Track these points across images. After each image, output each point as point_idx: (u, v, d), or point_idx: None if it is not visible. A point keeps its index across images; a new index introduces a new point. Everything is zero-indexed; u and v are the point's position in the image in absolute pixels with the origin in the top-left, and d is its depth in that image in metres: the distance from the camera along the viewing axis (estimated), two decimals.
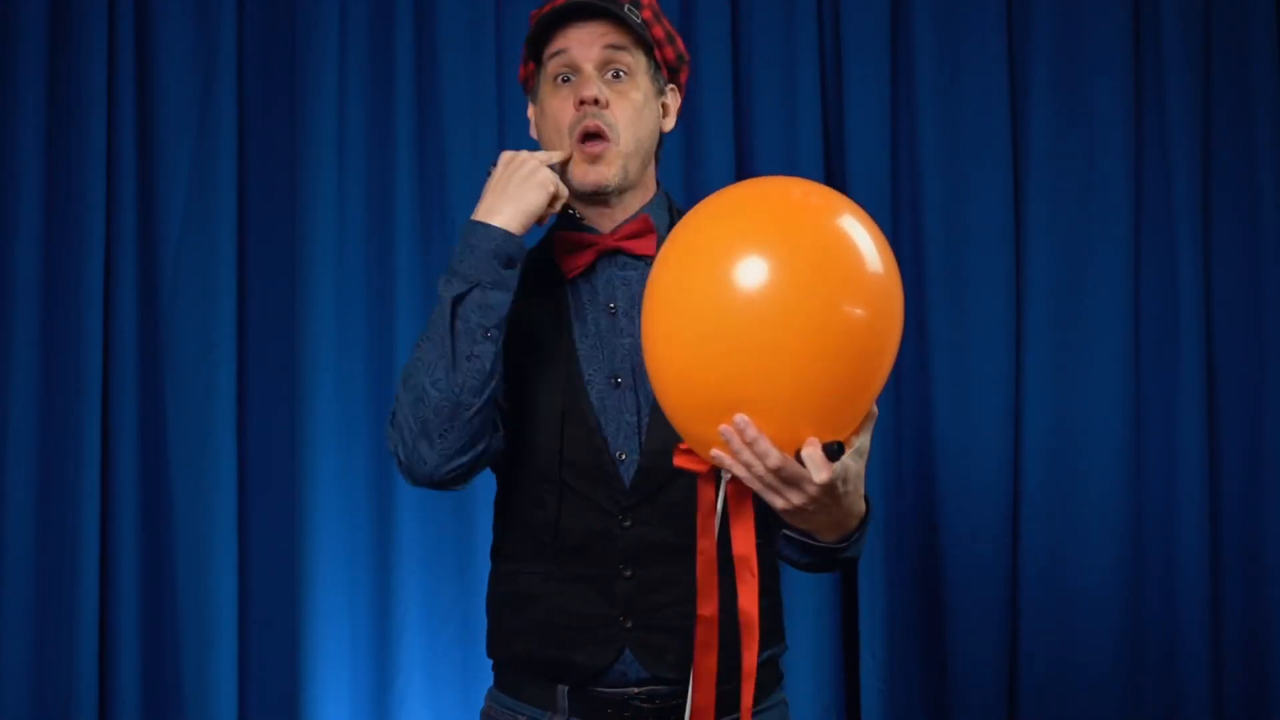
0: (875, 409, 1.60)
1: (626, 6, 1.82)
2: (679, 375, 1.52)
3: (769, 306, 1.44)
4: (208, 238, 2.96)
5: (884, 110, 3.09)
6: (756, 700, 1.81)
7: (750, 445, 1.49)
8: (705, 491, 1.62)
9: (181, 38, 2.97)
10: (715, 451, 1.53)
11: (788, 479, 1.52)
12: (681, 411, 1.55)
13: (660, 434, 1.74)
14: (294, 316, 2.98)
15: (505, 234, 1.72)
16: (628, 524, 1.79)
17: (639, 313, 1.75)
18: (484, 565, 2.91)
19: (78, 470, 2.90)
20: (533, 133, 1.90)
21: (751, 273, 1.45)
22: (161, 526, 2.96)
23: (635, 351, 1.80)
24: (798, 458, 1.51)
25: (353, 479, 2.98)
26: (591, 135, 1.79)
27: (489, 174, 1.79)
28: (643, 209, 1.87)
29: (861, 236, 1.50)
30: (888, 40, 3.09)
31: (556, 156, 1.80)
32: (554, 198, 1.77)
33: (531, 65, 1.87)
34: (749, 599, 1.62)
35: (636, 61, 1.83)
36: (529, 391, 1.81)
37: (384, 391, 2.99)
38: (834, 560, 1.70)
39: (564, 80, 1.82)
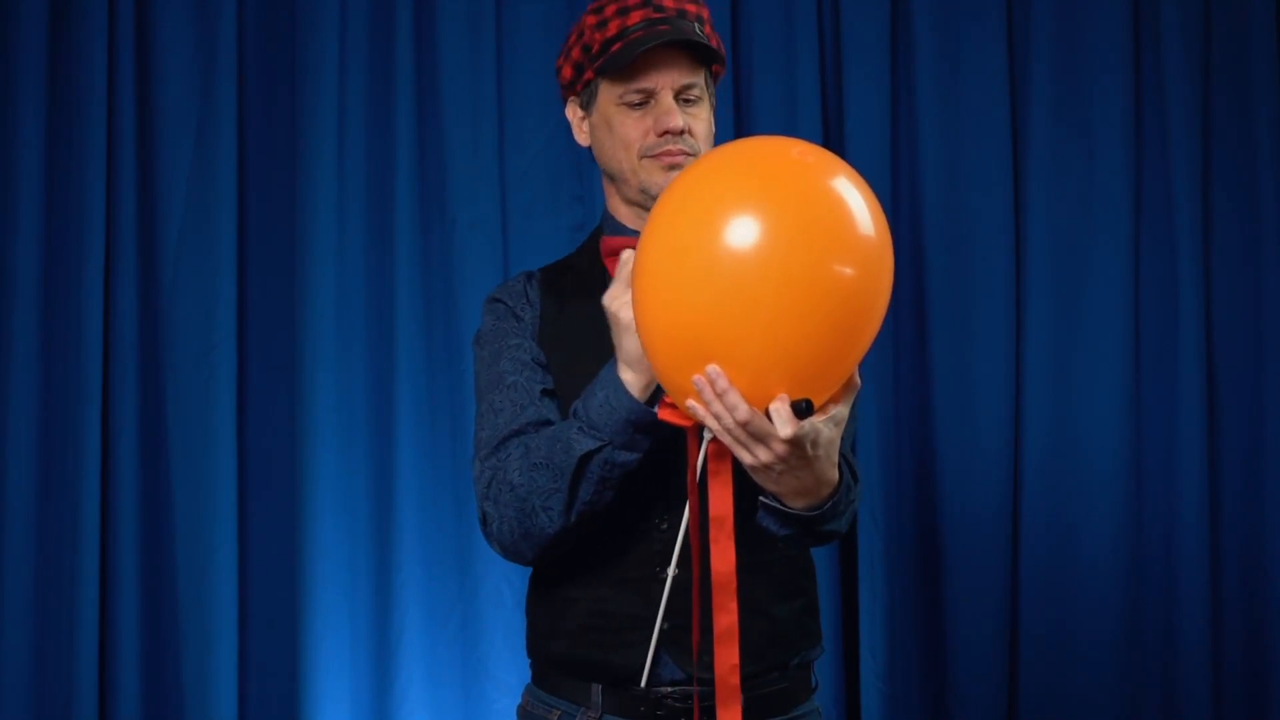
0: (858, 380, 1.59)
1: (696, 26, 1.82)
2: (660, 321, 1.52)
3: (752, 258, 1.44)
4: (208, 238, 2.95)
5: (884, 110, 3.09)
6: (786, 708, 1.82)
7: (721, 396, 1.49)
8: (693, 448, 1.62)
9: (181, 39, 2.97)
10: (690, 402, 1.52)
11: (755, 433, 1.51)
12: (661, 359, 1.54)
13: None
14: (294, 316, 2.97)
15: (642, 408, 1.67)
16: (665, 526, 1.78)
17: None
18: (483, 565, 2.94)
19: (78, 470, 2.89)
20: (580, 139, 1.90)
21: (739, 224, 1.45)
22: (162, 527, 2.95)
23: None
24: (767, 414, 1.50)
25: (353, 479, 2.97)
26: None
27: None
28: None
29: (854, 198, 1.49)
30: (887, 39, 3.10)
31: None
32: None
33: (590, 75, 1.84)
34: (723, 559, 1.61)
35: (703, 80, 1.84)
36: (567, 398, 1.80)
37: (383, 392, 2.99)
38: (812, 531, 1.68)
39: (637, 105, 1.81)
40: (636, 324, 1.57)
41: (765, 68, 3.09)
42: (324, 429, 2.94)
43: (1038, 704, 3.04)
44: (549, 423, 1.79)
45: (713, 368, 1.48)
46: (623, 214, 1.89)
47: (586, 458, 1.69)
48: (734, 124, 3.07)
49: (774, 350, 1.47)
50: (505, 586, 2.95)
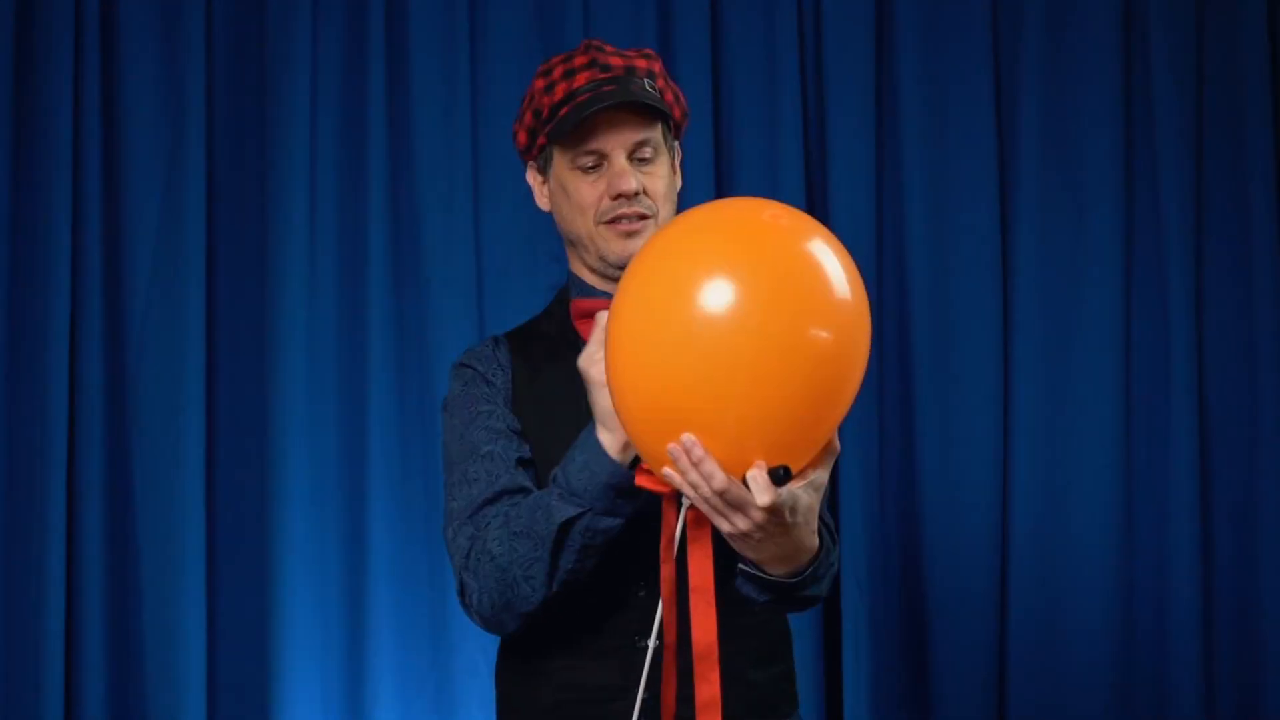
0: (837, 445, 1.56)
1: (646, 81, 1.79)
2: (634, 388, 1.48)
3: (727, 324, 1.41)
4: (176, 296, 2.91)
5: (869, 164, 3.06)
6: None
7: (697, 465, 1.45)
8: (668, 514, 1.58)
9: (149, 92, 2.92)
10: (666, 470, 1.49)
11: (733, 502, 1.48)
12: (636, 426, 1.51)
13: None
14: (264, 377, 2.92)
15: (623, 471, 1.63)
16: (643, 594, 1.74)
17: None
18: (457, 634, 2.89)
19: (42, 542, 2.83)
20: (541, 203, 1.87)
21: (713, 289, 1.42)
22: (128, 600, 2.89)
23: None
24: (745, 482, 1.46)
25: (324, 546, 2.92)
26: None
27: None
28: None
29: (829, 260, 1.46)
30: (872, 92, 3.07)
31: None
32: None
33: (542, 140, 1.81)
34: (705, 629, 1.57)
35: (658, 136, 1.80)
36: (546, 463, 1.76)
37: (355, 455, 2.94)
38: (792, 598, 1.65)
39: (591, 168, 1.78)
40: (610, 390, 1.54)
41: (746, 122, 3.06)
42: (295, 493, 2.89)
43: None
44: (526, 491, 1.74)
45: (688, 436, 1.44)
46: (588, 276, 1.85)
47: (568, 525, 1.65)
48: (714, 180, 3.03)
49: (750, 417, 1.44)
50: (480, 656, 2.90)
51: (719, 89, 3.06)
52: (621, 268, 1.77)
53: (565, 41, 2.96)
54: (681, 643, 1.64)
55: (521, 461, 1.77)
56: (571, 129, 1.75)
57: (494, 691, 1.90)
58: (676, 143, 1.87)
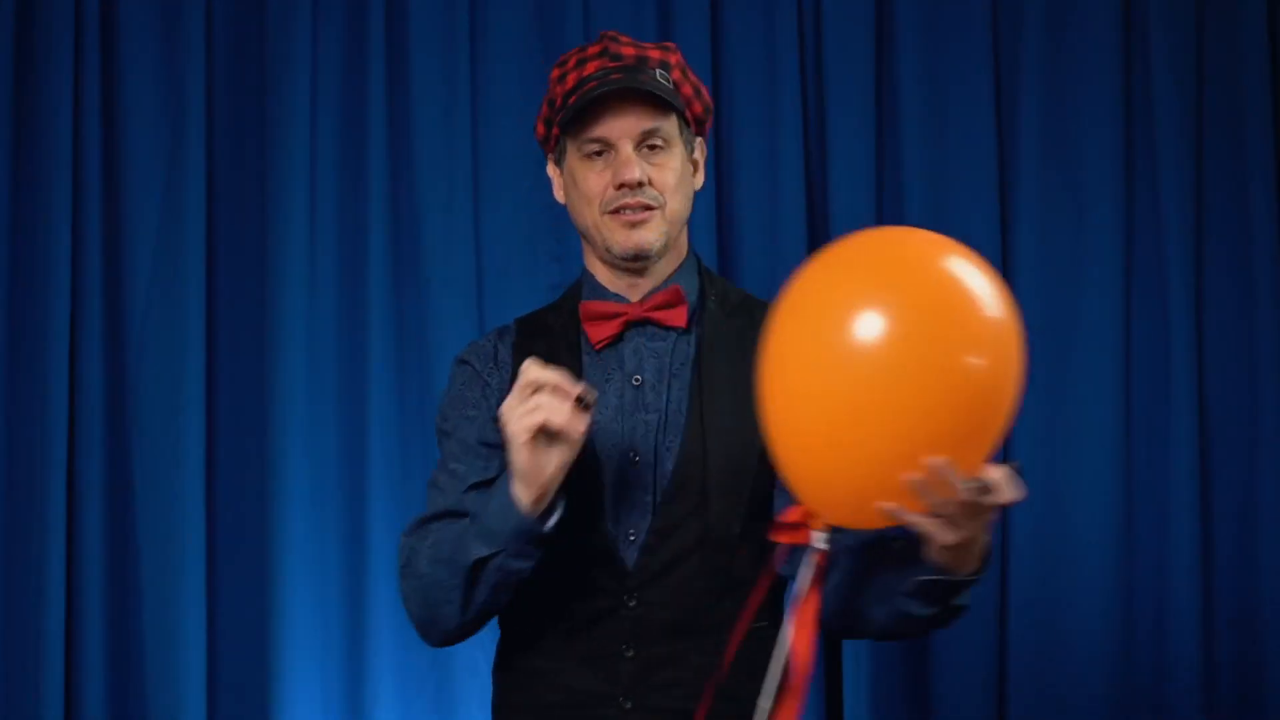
0: None
1: (658, 72, 1.78)
2: (801, 445, 1.48)
3: (885, 361, 1.41)
4: (176, 296, 2.90)
5: (869, 164, 3.04)
6: None
7: (948, 481, 1.41)
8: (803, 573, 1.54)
9: (149, 96, 2.92)
10: (888, 506, 1.45)
11: (973, 508, 1.46)
12: (811, 482, 1.50)
13: (671, 513, 1.73)
14: (264, 377, 2.91)
15: (532, 523, 1.66)
16: (633, 604, 1.75)
17: (666, 386, 1.77)
18: None
19: (42, 542, 2.82)
20: (558, 196, 1.88)
21: (866, 327, 1.41)
22: (129, 599, 2.88)
23: (660, 428, 1.77)
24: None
25: (324, 546, 2.92)
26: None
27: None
28: (673, 275, 1.83)
29: (978, 283, 1.46)
30: (872, 92, 3.05)
31: (580, 392, 1.63)
32: (572, 446, 1.64)
33: (556, 130, 1.82)
34: (803, 655, 1.53)
35: (671, 127, 1.79)
36: None
37: (355, 456, 2.93)
38: (952, 607, 1.65)
39: (598, 154, 1.78)
40: (771, 442, 1.52)
41: (746, 123, 3.05)
42: (295, 493, 2.88)
43: None
44: (465, 515, 1.76)
45: (935, 459, 1.40)
46: (600, 273, 1.85)
47: (480, 563, 1.68)
48: (715, 180, 3.02)
49: (917, 441, 1.43)
50: (480, 655, 2.88)
51: (719, 89, 3.06)
52: (626, 260, 1.79)
53: (565, 41, 2.96)
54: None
55: (475, 485, 1.78)
56: (575, 115, 1.75)
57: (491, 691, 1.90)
58: (698, 139, 1.86)
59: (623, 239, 1.77)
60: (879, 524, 1.51)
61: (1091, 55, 3.07)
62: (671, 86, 1.79)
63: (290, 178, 2.92)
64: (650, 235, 1.77)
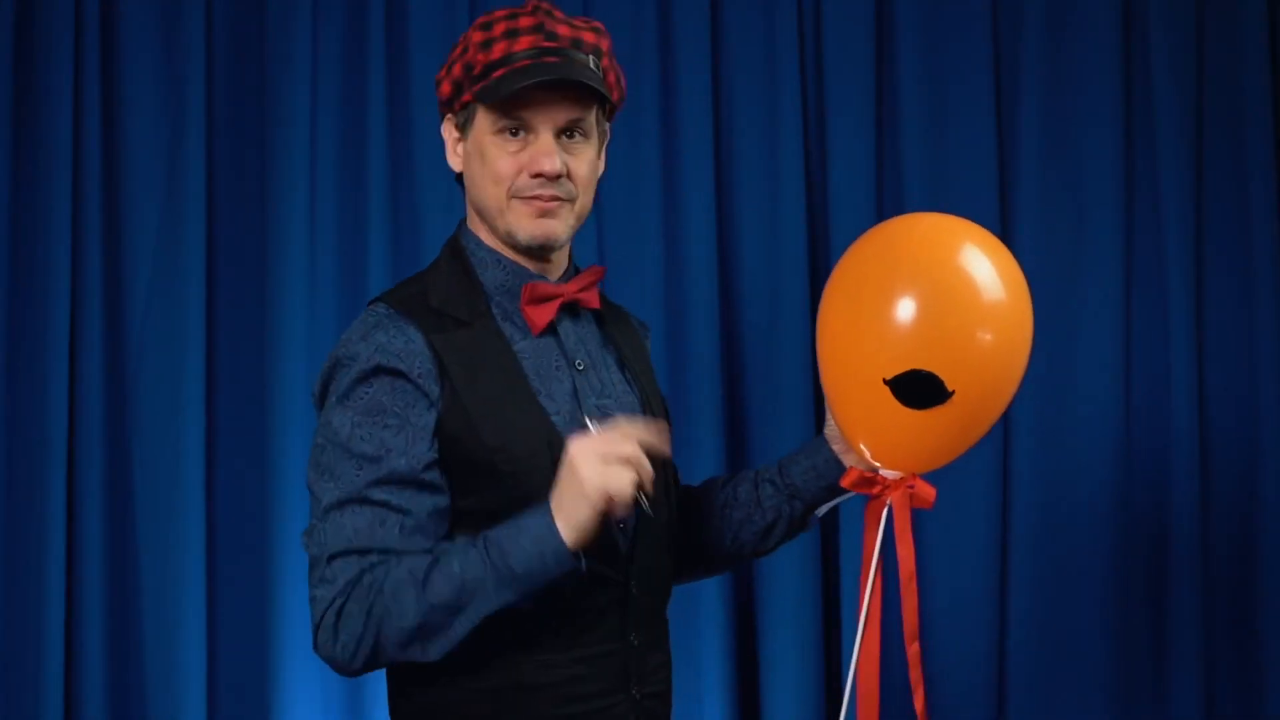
0: None
1: (591, 59, 1.68)
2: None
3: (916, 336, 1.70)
4: (176, 298, 2.90)
5: (869, 165, 3.05)
6: None
7: None
8: (874, 511, 1.83)
9: (149, 95, 2.92)
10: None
11: None
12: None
13: (651, 495, 1.64)
14: (263, 379, 2.91)
15: (573, 564, 1.54)
16: (635, 590, 1.70)
17: (602, 367, 1.74)
18: None
19: (41, 541, 2.82)
20: (453, 162, 1.75)
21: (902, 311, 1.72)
22: (129, 598, 2.88)
23: (614, 411, 1.71)
24: None
25: None
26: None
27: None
28: (570, 258, 1.77)
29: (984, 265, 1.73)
30: (872, 93, 3.06)
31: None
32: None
33: (468, 97, 1.68)
34: (913, 611, 1.82)
35: (592, 117, 1.70)
36: (519, 492, 1.61)
37: None
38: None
39: (513, 133, 1.67)
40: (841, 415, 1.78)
41: (746, 123, 3.05)
42: (295, 493, 2.88)
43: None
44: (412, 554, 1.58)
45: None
46: (508, 252, 1.72)
47: (489, 614, 1.54)
48: (715, 180, 3.03)
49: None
50: None
51: (719, 89, 3.06)
52: (530, 250, 1.69)
53: None
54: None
55: (423, 525, 1.61)
56: (506, 96, 1.63)
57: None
58: (608, 124, 1.78)
59: (530, 227, 1.67)
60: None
61: (1091, 55, 3.07)
62: (601, 75, 1.69)
63: (290, 178, 2.92)
64: (559, 227, 1.68)
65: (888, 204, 3.07)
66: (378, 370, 1.62)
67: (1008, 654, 3.03)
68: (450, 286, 1.71)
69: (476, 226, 1.75)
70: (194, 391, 2.89)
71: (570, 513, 1.52)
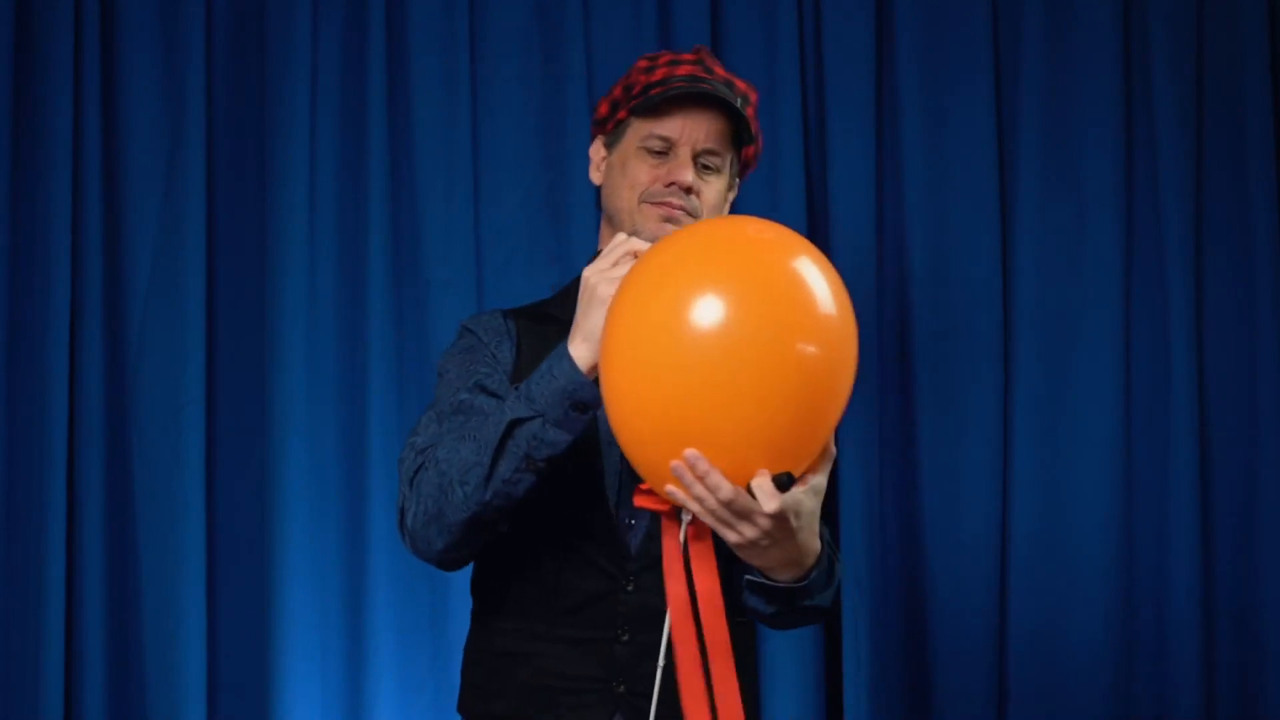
0: (833, 449, 1.59)
1: (740, 100, 1.84)
2: (634, 409, 1.52)
3: (722, 342, 1.46)
4: (175, 296, 2.90)
5: (869, 175, 3.04)
6: None
7: (703, 478, 1.48)
8: (669, 532, 1.61)
9: (148, 95, 2.92)
10: (670, 488, 1.51)
11: (739, 511, 1.51)
12: (636, 446, 1.54)
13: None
14: (264, 376, 2.91)
15: (584, 381, 1.65)
16: (630, 589, 1.76)
17: None
18: (457, 632, 2.87)
19: (41, 539, 2.81)
20: (594, 176, 1.94)
21: (706, 308, 1.47)
22: (129, 598, 2.88)
23: None
24: (749, 491, 1.50)
25: (324, 546, 2.91)
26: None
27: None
28: None
29: (814, 275, 1.52)
30: (872, 101, 3.05)
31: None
32: None
33: (623, 114, 1.88)
34: (718, 633, 1.59)
35: (725, 159, 1.87)
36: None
37: (355, 456, 2.93)
38: (799, 608, 1.69)
39: (658, 153, 1.84)
40: (607, 409, 1.56)
41: None
42: (295, 493, 2.88)
43: None
44: None
45: (691, 452, 1.47)
46: None
47: (515, 424, 1.66)
48: None
49: (751, 431, 1.48)
50: None
51: None
52: None
53: (565, 42, 2.97)
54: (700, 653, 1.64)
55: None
56: (658, 102, 1.80)
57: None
58: (738, 180, 1.94)
59: (655, 228, 1.81)
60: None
61: (1091, 55, 3.07)
62: (744, 116, 1.85)
63: (290, 178, 2.92)
64: None
65: (888, 204, 3.07)
66: (464, 331, 1.94)
67: (1008, 654, 3.02)
68: (566, 297, 1.87)
69: (603, 240, 1.91)
70: (194, 391, 2.89)
71: (581, 323, 1.66)
